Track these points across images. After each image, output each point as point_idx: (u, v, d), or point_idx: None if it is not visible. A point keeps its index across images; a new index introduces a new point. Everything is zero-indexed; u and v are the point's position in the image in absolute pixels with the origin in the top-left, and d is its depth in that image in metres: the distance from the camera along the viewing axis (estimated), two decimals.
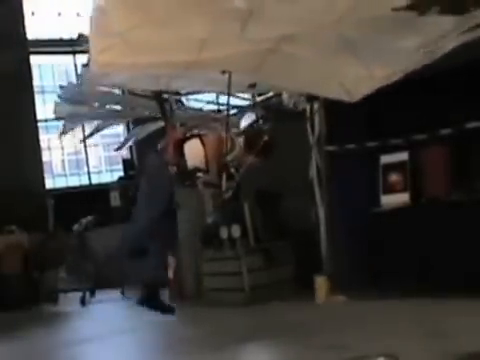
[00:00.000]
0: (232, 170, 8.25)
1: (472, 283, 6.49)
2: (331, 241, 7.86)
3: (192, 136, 6.27)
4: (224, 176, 6.14)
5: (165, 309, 6.59)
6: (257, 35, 5.40)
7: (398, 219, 7.36)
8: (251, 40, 5.49)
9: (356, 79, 6.33)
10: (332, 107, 7.51)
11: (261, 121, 9.73)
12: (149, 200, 6.09)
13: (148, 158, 6.20)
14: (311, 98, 7.83)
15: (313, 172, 7.99)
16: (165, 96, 9.50)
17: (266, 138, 6.41)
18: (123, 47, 5.36)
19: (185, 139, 6.14)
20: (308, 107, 7.95)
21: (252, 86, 6.72)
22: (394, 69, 6.10)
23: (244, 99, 10.51)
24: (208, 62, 5.83)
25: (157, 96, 9.26)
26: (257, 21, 5.10)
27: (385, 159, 7.72)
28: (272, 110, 9.17)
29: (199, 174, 6.18)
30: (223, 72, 6.13)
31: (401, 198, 7.52)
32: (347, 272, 7.64)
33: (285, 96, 8.18)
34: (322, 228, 7.94)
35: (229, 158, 6.20)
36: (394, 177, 7.64)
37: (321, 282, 7.74)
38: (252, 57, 5.95)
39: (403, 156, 7.59)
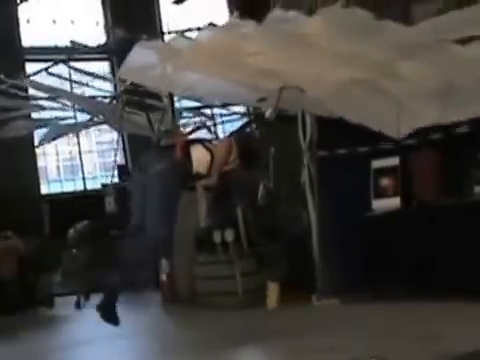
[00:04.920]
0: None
1: (464, 285, 6.55)
2: (323, 245, 7.92)
3: (195, 141, 6.27)
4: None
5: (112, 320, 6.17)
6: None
7: (389, 223, 7.43)
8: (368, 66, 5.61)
9: (417, 117, 6.39)
10: None
11: (253, 126, 9.75)
12: (168, 203, 5.95)
13: (155, 160, 6.07)
14: None
15: (305, 177, 8.05)
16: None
17: (252, 145, 6.45)
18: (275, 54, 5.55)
19: (191, 143, 6.15)
20: (299, 113, 8.01)
21: (262, 100, 6.77)
22: (461, 113, 6.25)
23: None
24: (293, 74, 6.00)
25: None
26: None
27: (376, 164, 7.79)
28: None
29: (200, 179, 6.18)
30: (281, 88, 6.24)
31: (392, 202, 7.58)
32: (340, 276, 7.69)
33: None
34: (314, 232, 8.00)
35: (231, 163, 6.20)
36: (385, 181, 7.71)
37: (273, 287, 7.99)
38: (335, 83, 6.04)
39: (394, 161, 7.66)
